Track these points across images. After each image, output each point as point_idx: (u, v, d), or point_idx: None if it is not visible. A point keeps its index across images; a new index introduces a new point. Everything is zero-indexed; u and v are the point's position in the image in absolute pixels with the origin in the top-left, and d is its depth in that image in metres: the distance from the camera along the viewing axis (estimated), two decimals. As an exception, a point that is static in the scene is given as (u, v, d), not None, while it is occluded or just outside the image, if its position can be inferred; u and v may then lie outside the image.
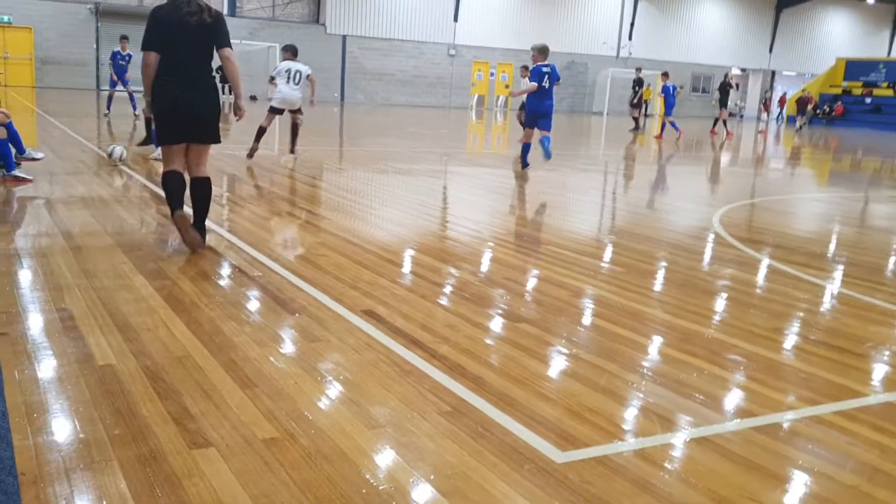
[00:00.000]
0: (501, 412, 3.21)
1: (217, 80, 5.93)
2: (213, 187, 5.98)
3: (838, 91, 44.83)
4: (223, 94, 31.32)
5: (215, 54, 5.73)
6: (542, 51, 11.75)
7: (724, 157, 18.92)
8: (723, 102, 25.86)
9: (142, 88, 6.01)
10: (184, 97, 5.59)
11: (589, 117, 37.55)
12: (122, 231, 6.29)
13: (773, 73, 50.56)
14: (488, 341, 4.13)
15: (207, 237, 5.88)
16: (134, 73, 13.57)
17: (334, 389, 3.38)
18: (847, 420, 3.35)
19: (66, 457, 2.66)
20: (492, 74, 41.78)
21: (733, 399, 3.54)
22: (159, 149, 9.25)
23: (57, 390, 3.19)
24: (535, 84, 11.56)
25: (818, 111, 43.20)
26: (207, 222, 5.94)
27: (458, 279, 5.43)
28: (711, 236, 7.70)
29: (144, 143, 12.04)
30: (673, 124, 23.13)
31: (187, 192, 5.74)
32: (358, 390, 3.37)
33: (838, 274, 6.33)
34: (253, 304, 4.58)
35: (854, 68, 44.79)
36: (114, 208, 7.25)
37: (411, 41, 39.51)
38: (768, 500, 2.66)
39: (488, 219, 8.14)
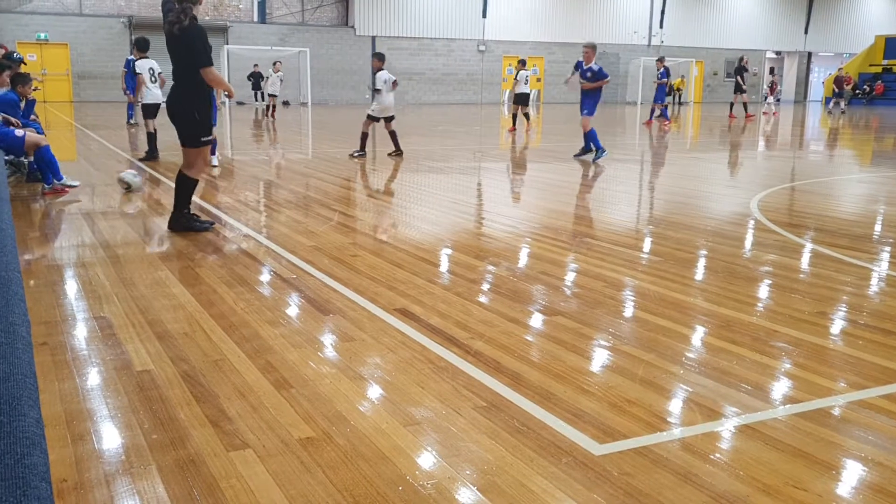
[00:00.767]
0: (538, 406, 3.17)
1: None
2: (248, 192, 6.02)
3: (878, 70, 43.84)
4: (256, 100, 31.77)
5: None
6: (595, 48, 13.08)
7: (758, 141, 18.62)
8: (738, 87, 25.85)
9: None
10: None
11: (622, 107, 37.22)
12: (159, 240, 6.36)
13: (810, 54, 49.63)
14: (525, 336, 4.09)
15: (244, 243, 5.92)
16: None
17: (370, 389, 3.37)
18: (896, 404, 3.26)
19: (106, 463, 2.68)
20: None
21: (777, 386, 3.46)
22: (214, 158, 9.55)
23: (96, 397, 3.23)
24: (608, 78, 12.74)
25: (857, 91, 42.30)
26: (244, 227, 5.98)
27: (494, 275, 5.39)
28: (751, 222, 7.56)
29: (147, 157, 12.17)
30: (664, 112, 23.14)
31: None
32: (394, 389, 3.35)
33: (885, 255, 6.18)
34: (288, 307, 4.60)
35: (895, 45, 43.74)
36: (151, 218, 7.33)
37: (440, 39, 39.49)
38: (815, 488, 2.59)
39: (522, 213, 8.09)
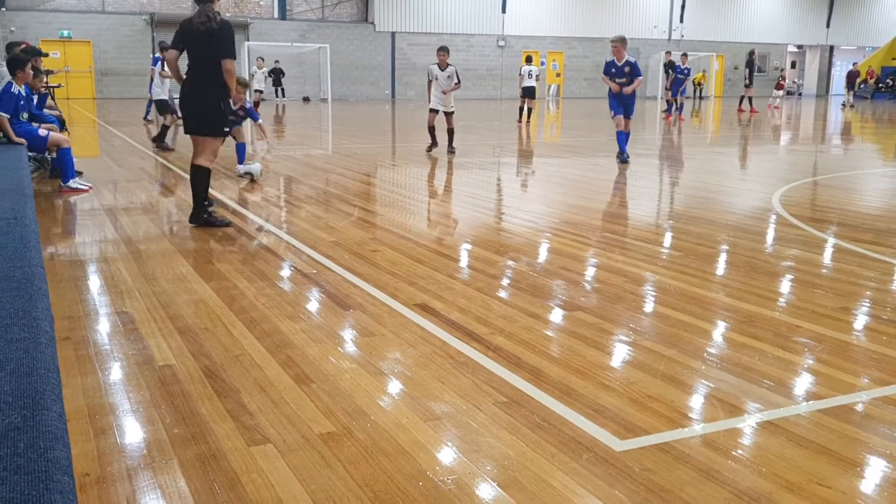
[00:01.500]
0: (559, 402, 3.16)
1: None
2: (269, 188, 6.05)
3: (902, 63, 43.26)
4: (276, 97, 31.89)
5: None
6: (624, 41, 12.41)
7: (778, 136, 18.44)
8: (749, 80, 25.75)
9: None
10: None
11: (643, 102, 36.99)
12: (181, 235, 6.39)
13: (832, 48, 49.09)
14: (545, 331, 4.08)
15: (265, 238, 5.95)
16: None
17: (390, 384, 3.37)
18: (922, 400, 3.22)
19: (128, 457, 2.70)
20: (542, 63, 41.43)
21: (800, 382, 3.43)
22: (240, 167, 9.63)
23: (118, 392, 3.25)
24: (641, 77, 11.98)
25: (881, 85, 41.78)
26: (265, 223, 6.01)
27: (514, 270, 5.38)
28: (772, 217, 7.50)
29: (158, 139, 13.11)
30: (669, 106, 23.10)
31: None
32: (414, 384, 3.35)
33: (908, 250, 6.10)
34: (309, 302, 4.61)
35: (918, 39, 43.12)
36: (173, 213, 7.38)
37: (460, 34, 39.41)
38: (839, 485, 2.57)
39: (542, 208, 8.07)
